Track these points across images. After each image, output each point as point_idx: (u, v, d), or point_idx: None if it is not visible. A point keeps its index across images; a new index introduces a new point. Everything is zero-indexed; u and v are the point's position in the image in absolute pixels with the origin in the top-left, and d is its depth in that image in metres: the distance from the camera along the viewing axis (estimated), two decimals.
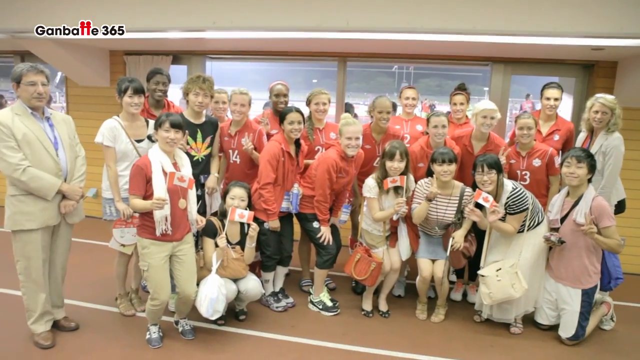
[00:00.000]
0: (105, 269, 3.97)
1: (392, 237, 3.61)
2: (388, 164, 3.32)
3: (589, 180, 3.17)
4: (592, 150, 3.40)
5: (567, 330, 3.21)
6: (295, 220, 3.74)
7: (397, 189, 3.41)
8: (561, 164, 3.23)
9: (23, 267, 2.89)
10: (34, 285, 2.92)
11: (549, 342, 3.28)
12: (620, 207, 3.64)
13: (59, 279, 3.13)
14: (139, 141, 3.22)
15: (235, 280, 3.24)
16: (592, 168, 3.13)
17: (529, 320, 3.47)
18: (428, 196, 3.31)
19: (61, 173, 2.90)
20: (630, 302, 3.95)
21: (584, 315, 3.18)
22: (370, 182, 3.42)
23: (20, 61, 5.67)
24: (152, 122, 3.20)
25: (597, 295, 3.34)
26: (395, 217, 3.49)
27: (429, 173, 3.42)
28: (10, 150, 2.72)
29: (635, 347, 3.29)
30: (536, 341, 3.30)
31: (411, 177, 3.45)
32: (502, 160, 3.41)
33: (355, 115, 4.28)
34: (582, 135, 3.68)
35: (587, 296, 3.17)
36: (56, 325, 3.14)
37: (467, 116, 4.14)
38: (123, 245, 3.26)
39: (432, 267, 3.43)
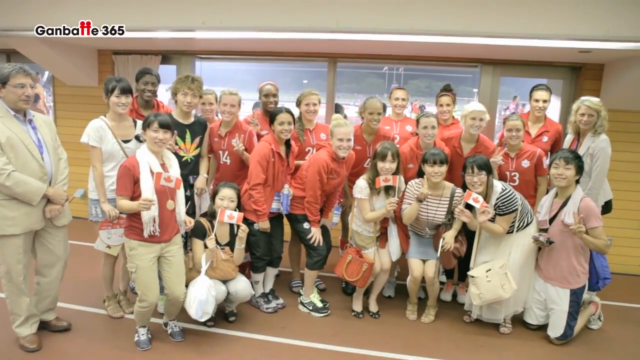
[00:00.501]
0: (92, 270, 3.92)
1: (382, 237, 3.61)
2: (379, 164, 3.32)
3: (577, 182, 3.20)
4: (580, 152, 3.43)
5: (556, 329, 3.24)
6: (285, 221, 3.73)
7: (387, 190, 3.41)
8: (549, 165, 3.26)
9: (4, 271, 2.83)
10: (16, 289, 2.87)
11: (538, 342, 3.31)
12: (607, 207, 3.68)
13: (56, 283, 3.07)
14: (126, 141, 3.18)
15: (224, 282, 3.22)
16: (579, 169, 3.16)
17: (518, 320, 3.49)
18: (419, 197, 3.31)
19: (46, 177, 2.83)
20: (618, 302, 3.99)
21: (572, 315, 3.21)
22: (361, 183, 3.42)
23: (6, 60, 5.58)
24: (140, 122, 3.16)
25: (585, 295, 3.37)
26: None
27: (419, 174, 3.43)
28: None
29: (622, 346, 3.32)
30: (525, 341, 3.32)
31: (401, 178, 3.45)
32: (499, 158, 3.43)
33: (345, 116, 4.27)
34: (569, 138, 3.72)
35: (576, 296, 3.20)
36: (47, 326, 3.09)
37: (453, 117, 4.16)
38: (109, 247, 3.22)
39: (423, 267, 3.44)
